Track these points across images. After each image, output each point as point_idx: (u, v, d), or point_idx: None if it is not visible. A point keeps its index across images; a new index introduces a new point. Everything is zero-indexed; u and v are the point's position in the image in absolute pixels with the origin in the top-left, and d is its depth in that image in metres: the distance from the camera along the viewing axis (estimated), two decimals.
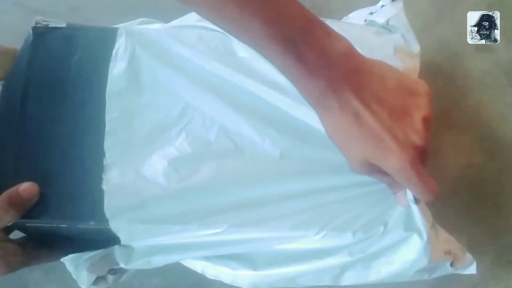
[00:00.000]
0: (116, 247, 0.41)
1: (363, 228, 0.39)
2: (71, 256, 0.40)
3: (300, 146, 0.41)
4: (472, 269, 0.44)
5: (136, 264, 0.41)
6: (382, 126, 0.34)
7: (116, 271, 0.43)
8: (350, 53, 0.34)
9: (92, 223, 0.38)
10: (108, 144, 0.40)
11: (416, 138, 0.34)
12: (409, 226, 0.39)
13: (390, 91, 0.35)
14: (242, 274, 0.41)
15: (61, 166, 0.40)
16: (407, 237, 0.39)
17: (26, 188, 0.38)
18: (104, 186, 0.38)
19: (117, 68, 0.42)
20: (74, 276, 0.41)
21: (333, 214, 0.39)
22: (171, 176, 0.39)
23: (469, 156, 0.62)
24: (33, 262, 0.41)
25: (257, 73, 0.42)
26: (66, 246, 0.41)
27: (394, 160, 0.34)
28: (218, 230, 0.38)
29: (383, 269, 0.40)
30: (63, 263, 0.42)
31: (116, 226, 0.38)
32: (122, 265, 0.41)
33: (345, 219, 0.39)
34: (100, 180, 0.39)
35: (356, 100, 0.34)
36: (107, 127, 0.40)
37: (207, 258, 0.42)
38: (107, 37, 0.43)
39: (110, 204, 0.38)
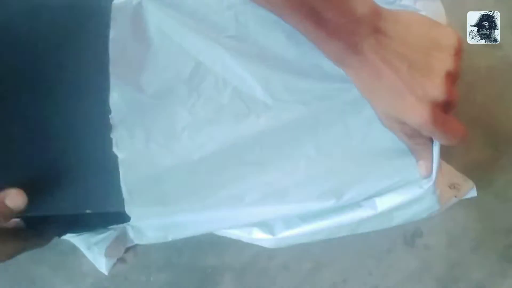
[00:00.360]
0: (128, 226, 0.39)
1: (379, 192, 0.39)
2: (78, 237, 0.40)
3: (316, 110, 0.39)
4: (473, 193, 0.44)
5: (153, 239, 0.40)
6: (401, 83, 0.34)
7: (130, 248, 0.43)
8: (372, 13, 0.34)
9: (88, 211, 0.36)
10: (114, 99, 0.37)
11: (436, 93, 0.34)
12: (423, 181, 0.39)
13: (413, 45, 0.34)
14: (261, 238, 0.41)
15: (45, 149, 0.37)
16: (421, 194, 0.38)
17: (13, 197, 0.35)
18: (115, 150, 0.36)
19: (120, 17, 0.38)
20: (88, 257, 0.40)
21: (351, 181, 0.39)
22: (186, 145, 0.37)
23: (476, 151, 0.62)
24: (29, 247, 0.39)
25: (278, 33, 0.39)
26: (64, 229, 0.40)
27: (414, 117, 0.34)
28: (236, 208, 0.38)
29: (398, 217, 0.40)
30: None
31: (130, 204, 0.36)
32: (137, 242, 0.40)
33: (365, 186, 0.39)
34: (108, 142, 0.36)
35: (376, 58, 0.34)
36: (112, 79, 0.37)
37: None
38: None
39: (127, 174, 0.36)
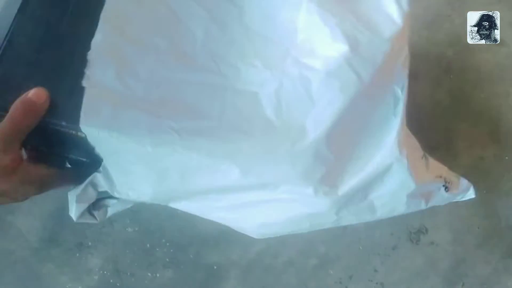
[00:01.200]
0: (99, 175, 0.41)
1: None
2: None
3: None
4: (470, 194, 0.43)
5: (122, 183, 0.41)
6: None
7: (101, 206, 0.44)
8: None
9: (63, 123, 0.37)
10: (97, 39, 0.40)
11: None
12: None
13: None
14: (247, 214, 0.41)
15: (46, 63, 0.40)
16: (388, 167, 0.38)
17: (36, 92, 0.37)
18: (85, 83, 0.38)
19: None
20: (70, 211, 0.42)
21: None
22: (151, 89, 0.39)
23: (480, 148, 0.62)
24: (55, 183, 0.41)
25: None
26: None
27: None
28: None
29: (376, 203, 0.40)
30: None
31: (89, 132, 0.38)
32: (107, 189, 0.42)
33: None
34: (82, 75, 0.39)
35: None
36: (100, 23, 0.40)
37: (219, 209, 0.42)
38: None
39: (88, 103, 0.38)
